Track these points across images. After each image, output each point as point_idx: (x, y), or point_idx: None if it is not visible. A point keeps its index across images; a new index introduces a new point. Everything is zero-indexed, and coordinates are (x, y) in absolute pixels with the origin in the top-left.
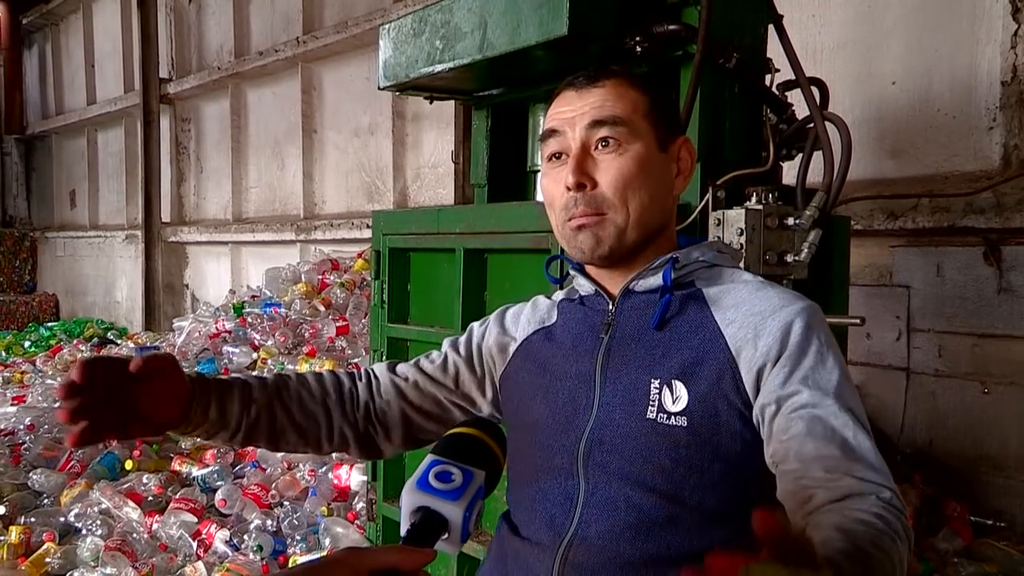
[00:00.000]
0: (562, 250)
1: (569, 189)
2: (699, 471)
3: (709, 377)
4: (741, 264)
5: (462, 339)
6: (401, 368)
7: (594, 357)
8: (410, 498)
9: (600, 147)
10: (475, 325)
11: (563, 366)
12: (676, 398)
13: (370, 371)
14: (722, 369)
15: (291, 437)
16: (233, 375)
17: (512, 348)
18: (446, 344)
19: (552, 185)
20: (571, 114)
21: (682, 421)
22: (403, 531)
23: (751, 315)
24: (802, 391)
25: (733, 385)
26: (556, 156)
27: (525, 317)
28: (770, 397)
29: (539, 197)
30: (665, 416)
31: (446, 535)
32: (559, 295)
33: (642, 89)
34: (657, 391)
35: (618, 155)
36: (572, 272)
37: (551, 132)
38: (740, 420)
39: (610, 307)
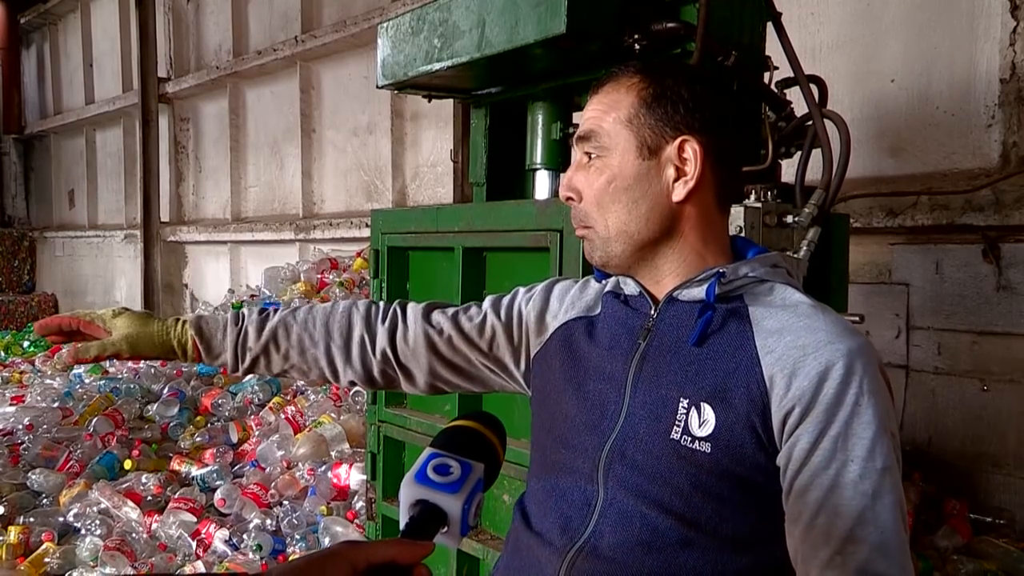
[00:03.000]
0: None
1: None
2: (718, 498)
3: (739, 405)
4: (798, 279)
5: (504, 301)
6: (437, 318)
7: (628, 362)
8: (408, 491)
9: (587, 160)
10: (521, 290)
11: (597, 364)
12: (703, 421)
13: (398, 313)
14: (753, 400)
15: (293, 375)
16: (241, 312)
17: (551, 328)
18: (487, 304)
19: None
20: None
21: (706, 447)
22: (402, 525)
23: (792, 348)
24: (828, 455)
25: (761, 419)
26: None
27: (571, 298)
28: (796, 454)
29: (538, 196)
30: (689, 439)
31: (445, 528)
32: (608, 285)
33: (637, 89)
34: (685, 411)
35: (596, 170)
36: None
37: None
38: (764, 453)
39: (652, 312)
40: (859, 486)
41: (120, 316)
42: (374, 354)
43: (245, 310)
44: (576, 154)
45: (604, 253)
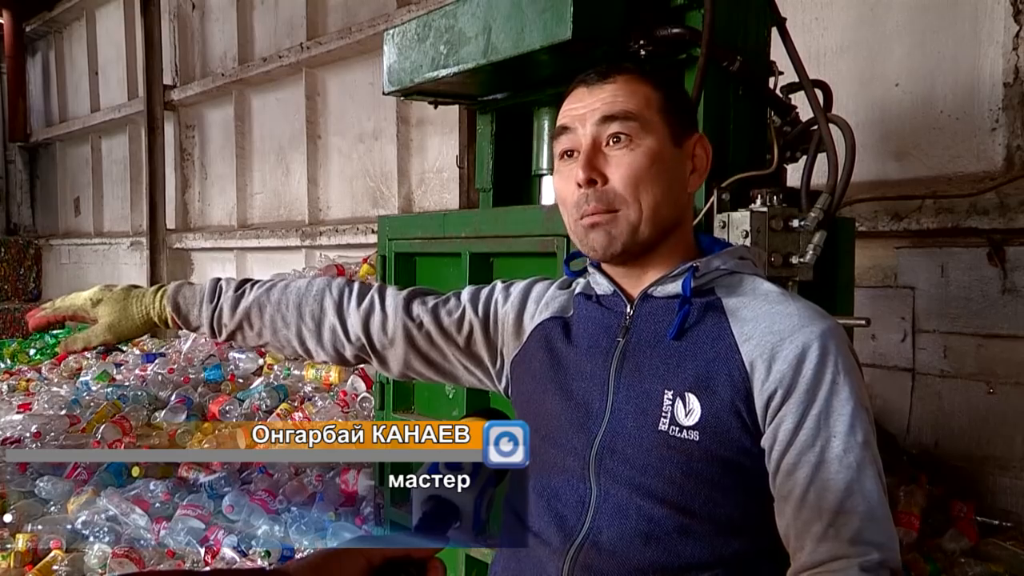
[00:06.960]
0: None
1: (580, 186)
2: (710, 484)
3: (723, 392)
4: (762, 269)
5: (483, 296)
6: (416, 310)
7: (609, 360)
8: (420, 488)
9: (612, 143)
10: (499, 285)
11: (577, 364)
12: (689, 411)
13: (375, 300)
14: (736, 386)
15: (269, 350)
16: (220, 284)
17: (528, 330)
18: (465, 297)
19: (563, 183)
20: (582, 110)
21: (694, 435)
22: (415, 521)
23: (768, 333)
24: (812, 433)
25: (745, 405)
26: (568, 154)
27: (548, 298)
28: (782, 435)
29: (544, 201)
30: (677, 429)
31: (458, 524)
32: (579, 286)
33: (654, 84)
34: (670, 403)
35: (629, 150)
36: (590, 270)
37: (562, 129)
38: (749, 437)
39: (628, 310)
40: (844, 460)
41: (100, 304)
42: (348, 340)
43: (223, 282)
44: (586, 139)
45: (631, 240)
